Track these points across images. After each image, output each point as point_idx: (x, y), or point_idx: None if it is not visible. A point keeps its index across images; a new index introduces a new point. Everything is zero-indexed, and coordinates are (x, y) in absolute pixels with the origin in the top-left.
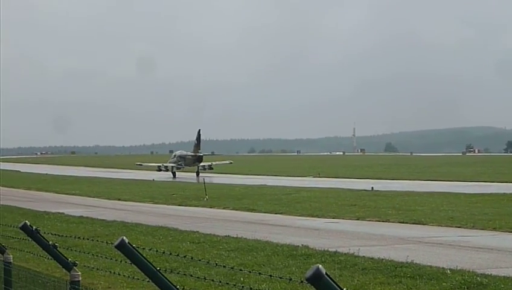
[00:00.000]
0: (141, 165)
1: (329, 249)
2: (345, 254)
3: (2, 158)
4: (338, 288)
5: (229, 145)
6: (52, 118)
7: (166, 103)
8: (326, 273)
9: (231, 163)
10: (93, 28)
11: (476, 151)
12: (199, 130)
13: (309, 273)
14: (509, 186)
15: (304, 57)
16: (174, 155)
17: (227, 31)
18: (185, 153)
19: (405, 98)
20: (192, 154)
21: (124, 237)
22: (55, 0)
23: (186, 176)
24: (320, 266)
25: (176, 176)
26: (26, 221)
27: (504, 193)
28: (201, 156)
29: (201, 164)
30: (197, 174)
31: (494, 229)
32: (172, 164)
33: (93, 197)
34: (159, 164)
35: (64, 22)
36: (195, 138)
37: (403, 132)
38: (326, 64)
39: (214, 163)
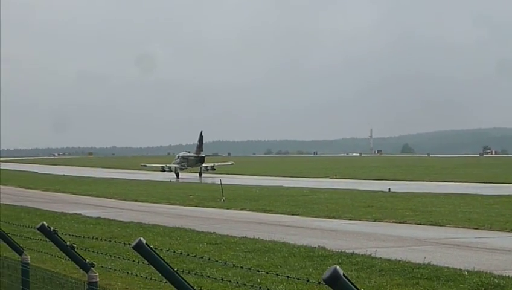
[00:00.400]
0: (146, 166)
1: (346, 251)
2: (361, 255)
3: (20, 159)
4: (355, 289)
5: (245, 146)
6: (68, 120)
7: (181, 104)
8: (343, 275)
9: (233, 164)
10: (99, 31)
11: (493, 152)
12: (201, 131)
13: (326, 274)
14: None
15: (320, 56)
16: (178, 156)
17: (240, 31)
18: (188, 154)
19: (422, 99)
20: (195, 155)
21: (142, 238)
22: (56, 2)
23: (190, 176)
24: (337, 267)
25: (179, 176)
26: (44, 222)
27: None
28: (204, 157)
29: (204, 164)
30: (200, 175)
31: None
32: (176, 165)
33: (110, 198)
34: (162, 165)
35: (67, 24)
36: (197, 140)
37: (420, 133)
38: (343, 64)
39: (216, 164)
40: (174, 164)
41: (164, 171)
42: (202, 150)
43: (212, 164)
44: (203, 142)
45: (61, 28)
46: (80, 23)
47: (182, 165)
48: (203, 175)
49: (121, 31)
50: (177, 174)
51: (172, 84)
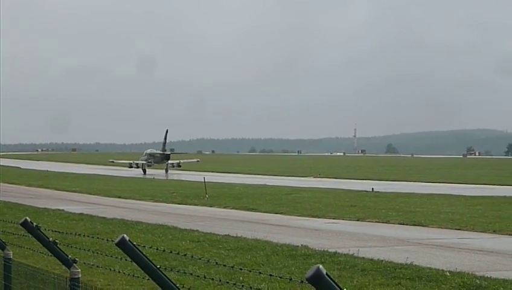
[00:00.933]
0: (113, 162)
1: (329, 250)
2: (344, 254)
3: (3, 154)
4: (338, 288)
5: (229, 144)
6: (53, 115)
7: (167, 102)
8: (326, 274)
9: (198, 161)
10: (93, 26)
11: (477, 153)
12: (167, 130)
13: (309, 273)
14: (510, 189)
15: (306, 57)
16: (145, 153)
17: (229, 30)
18: (154, 151)
19: (406, 99)
20: (161, 152)
21: (125, 235)
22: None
23: (156, 172)
24: (320, 266)
25: (146, 172)
26: (27, 217)
27: (504, 196)
28: (169, 154)
29: (170, 161)
30: (166, 171)
31: (494, 232)
32: (143, 162)
33: (94, 194)
34: (130, 161)
35: (66, 19)
36: (163, 137)
37: (404, 133)
38: (328, 65)
39: (182, 161)
40: (141, 160)
41: (132, 167)
42: (166, 148)
43: (178, 161)
44: (167, 140)
45: (46, 22)
46: (74, 18)
47: (148, 162)
48: (169, 171)
49: (115, 27)
50: (144, 171)
51: (157, 81)
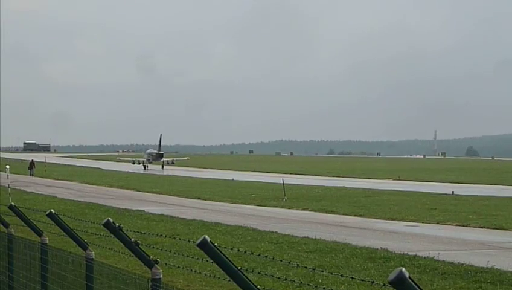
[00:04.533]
0: (120, 159)
1: (409, 253)
2: (424, 258)
3: (85, 155)
4: None
5: (308, 146)
6: (130, 117)
7: (242, 104)
8: (409, 277)
9: (188, 159)
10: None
11: None
12: (161, 134)
13: (392, 276)
14: None
15: (392, 59)
16: (145, 153)
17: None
18: (152, 151)
19: (488, 101)
20: (156, 152)
21: (206, 236)
22: None
23: (155, 168)
24: (403, 269)
25: (147, 168)
26: (109, 218)
27: None
28: (162, 153)
29: (165, 159)
30: (162, 167)
31: None
32: (144, 159)
33: (173, 195)
34: (133, 159)
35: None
36: (158, 140)
37: (485, 135)
38: (408, 66)
39: (175, 159)
40: (143, 158)
41: (134, 163)
42: (161, 149)
43: (171, 159)
44: (161, 143)
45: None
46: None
47: (148, 160)
48: (165, 167)
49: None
50: (145, 167)
51: (230, 84)
